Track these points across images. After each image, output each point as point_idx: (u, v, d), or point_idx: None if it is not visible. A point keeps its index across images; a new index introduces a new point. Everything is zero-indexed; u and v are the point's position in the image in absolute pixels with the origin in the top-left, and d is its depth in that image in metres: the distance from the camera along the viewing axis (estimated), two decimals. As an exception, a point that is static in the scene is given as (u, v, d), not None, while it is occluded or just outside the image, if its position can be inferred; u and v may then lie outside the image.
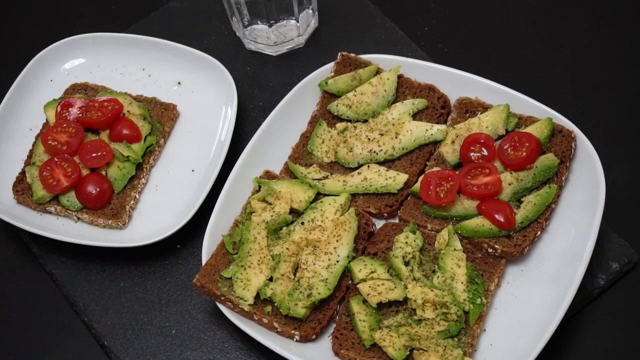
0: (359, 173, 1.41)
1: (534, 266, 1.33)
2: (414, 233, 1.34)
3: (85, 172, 1.44)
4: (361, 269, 1.30)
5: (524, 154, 1.34)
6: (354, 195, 1.40)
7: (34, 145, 1.49)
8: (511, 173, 1.35)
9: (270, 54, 1.63)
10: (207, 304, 1.39)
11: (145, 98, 1.54)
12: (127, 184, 1.45)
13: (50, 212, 1.45)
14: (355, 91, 1.47)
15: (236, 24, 1.62)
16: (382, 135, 1.43)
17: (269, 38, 1.60)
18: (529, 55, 1.63)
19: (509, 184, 1.34)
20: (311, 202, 1.37)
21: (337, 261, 1.31)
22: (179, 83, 1.58)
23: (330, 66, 1.51)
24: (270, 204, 1.38)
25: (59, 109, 1.49)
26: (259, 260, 1.32)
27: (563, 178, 1.36)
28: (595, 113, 1.55)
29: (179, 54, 1.57)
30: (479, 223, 1.32)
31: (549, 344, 1.24)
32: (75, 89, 1.56)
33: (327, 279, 1.30)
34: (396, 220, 1.40)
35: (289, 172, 1.44)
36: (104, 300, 1.40)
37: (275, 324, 1.28)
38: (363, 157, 1.43)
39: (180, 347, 1.36)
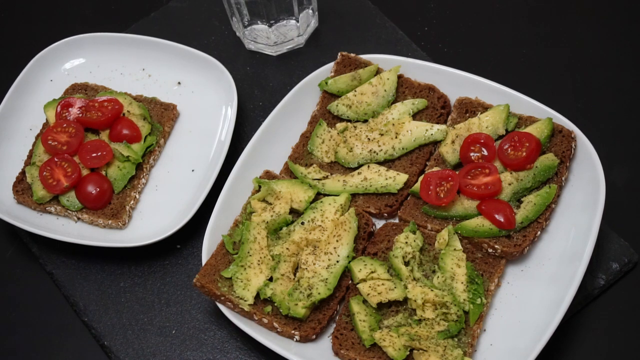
0: (359, 173, 1.41)
1: (534, 266, 1.33)
2: (414, 233, 1.34)
3: (85, 172, 1.44)
4: (361, 269, 1.30)
5: (524, 154, 1.34)
6: (354, 195, 1.40)
7: (34, 145, 1.49)
8: (511, 173, 1.35)
9: (270, 54, 1.63)
10: (207, 304, 1.39)
11: (145, 98, 1.54)
12: (127, 184, 1.45)
13: (50, 212, 1.45)
14: (355, 91, 1.47)
15: (236, 24, 1.61)
16: (382, 135, 1.43)
17: (269, 38, 1.60)
18: (529, 55, 1.62)
19: (509, 184, 1.34)
20: (311, 202, 1.37)
21: (337, 261, 1.31)
22: (179, 83, 1.58)
23: (330, 66, 1.51)
24: (270, 204, 1.38)
25: (59, 109, 1.49)
26: (259, 260, 1.32)
27: (563, 178, 1.36)
28: (595, 113, 1.55)
29: (179, 54, 1.57)
30: (479, 223, 1.32)
31: (549, 344, 1.24)
32: (75, 89, 1.56)
33: (327, 279, 1.30)
34: (396, 220, 1.40)
35: (289, 172, 1.44)
36: (104, 300, 1.40)
37: (275, 324, 1.28)
38: (363, 157, 1.43)
39: (180, 347, 1.36)
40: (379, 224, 1.40)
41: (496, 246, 1.30)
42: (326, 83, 1.48)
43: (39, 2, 1.80)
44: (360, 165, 1.43)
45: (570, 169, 1.38)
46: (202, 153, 1.50)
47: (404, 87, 1.48)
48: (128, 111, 1.50)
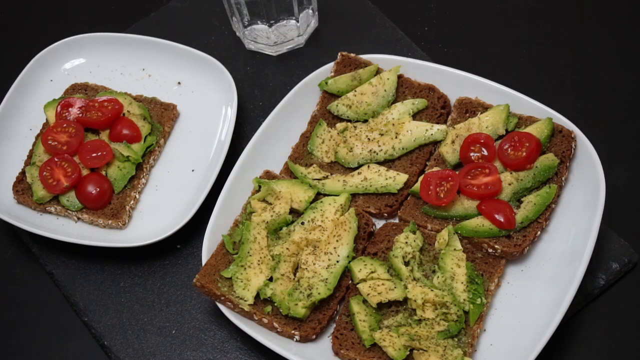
0: (359, 173, 1.41)
1: (534, 266, 1.33)
2: (414, 233, 1.34)
3: (85, 172, 1.44)
4: (361, 269, 1.30)
5: (524, 154, 1.34)
6: (354, 195, 1.40)
7: (34, 145, 1.49)
8: (511, 173, 1.35)
9: (270, 54, 1.63)
10: (207, 304, 1.39)
11: (145, 98, 1.54)
12: (127, 184, 1.45)
13: (50, 212, 1.45)
14: (355, 91, 1.47)
15: (236, 24, 1.61)
16: (382, 135, 1.43)
17: (269, 38, 1.60)
18: (529, 55, 1.62)
19: (509, 184, 1.34)
20: (311, 202, 1.37)
21: (337, 261, 1.31)
22: (179, 83, 1.58)
23: (330, 66, 1.51)
24: (270, 204, 1.38)
25: (59, 109, 1.49)
26: (259, 260, 1.32)
27: (563, 178, 1.36)
28: (595, 113, 1.55)
29: (179, 54, 1.57)
30: (479, 223, 1.32)
31: (549, 344, 1.24)
32: (75, 89, 1.56)
33: (327, 279, 1.30)
34: (396, 220, 1.40)
35: (289, 172, 1.44)
36: (104, 300, 1.40)
37: (275, 324, 1.28)
38: (363, 157, 1.43)
39: (180, 347, 1.36)
40: (379, 224, 1.40)
41: (496, 246, 1.30)
42: (326, 83, 1.48)
43: (39, 2, 1.80)
44: (360, 165, 1.43)
45: (570, 169, 1.38)
46: (202, 153, 1.50)
47: (404, 87, 1.48)
48: (128, 111, 1.50)
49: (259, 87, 1.60)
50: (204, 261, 1.33)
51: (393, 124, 1.43)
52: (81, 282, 1.42)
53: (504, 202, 1.32)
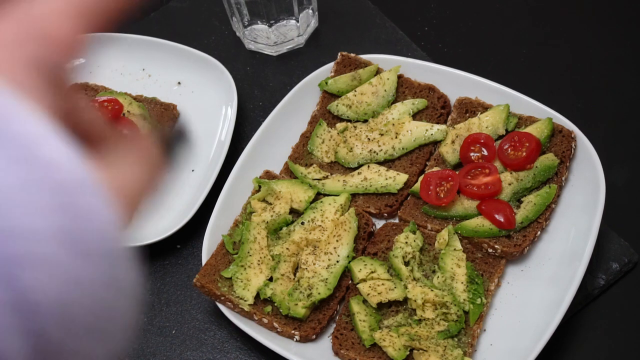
0: (359, 173, 1.41)
1: (534, 266, 1.33)
2: (414, 233, 1.34)
3: (85, 172, 1.44)
4: (361, 269, 1.30)
5: (524, 154, 1.34)
6: (354, 195, 1.40)
7: (34, 145, 1.49)
8: (511, 173, 1.35)
9: (270, 54, 1.63)
10: (207, 304, 1.39)
11: (145, 98, 1.54)
12: (127, 184, 1.45)
13: (50, 212, 1.45)
14: (355, 91, 1.47)
15: (236, 24, 1.61)
16: (382, 135, 1.43)
17: (269, 38, 1.60)
18: (529, 55, 1.62)
19: (509, 184, 1.34)
20: (311, 202, 1.37)
21: (337, 261, 1.31)
22: (179, 83, 1.58)
23: (330, 66, 1.51)
24: (270, 204, 1.38)
25: (59, 109, 1.49)
26: (259, 260, 1.32)
27: (563, 178, 1.36)
28: (595, 113, 1.55)
29: (179, 54, 1.57)
30: (479, 223, 1.31)
31: (549, 344, 1.24)
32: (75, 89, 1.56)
33: (327, 279, 1.30)
34: (396, 220, 1.40)
35: (289, 172, 1.44)
36: (104, 300, 1.40)
37: (275, 324, 1.28)
38: (363, 157, 1.43)
39: (180, 347, 1.36)
40: (379, 224, 1.40)
41: (496, 246, 1.30)
42: (326, 83, 1.48)
43: (39, 2, 1.80)
44: (360, 165, 1.43)
45: (570, 169, 1.38)
46: (202, 153, 1.50)
47: (404, 87, 1.48)
48: (128, 111, 1.50)
49: (259, 87, 1.60)
50: (204, 261, 1.33)
51: (393, 124, 1.43)
52: (81, 282, 1.42)
53: (504, 202, 1.32)
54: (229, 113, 1.51)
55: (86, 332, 0.44)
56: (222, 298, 1.30)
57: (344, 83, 1.48)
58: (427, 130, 1.42)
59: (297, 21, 1.58)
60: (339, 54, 1.51)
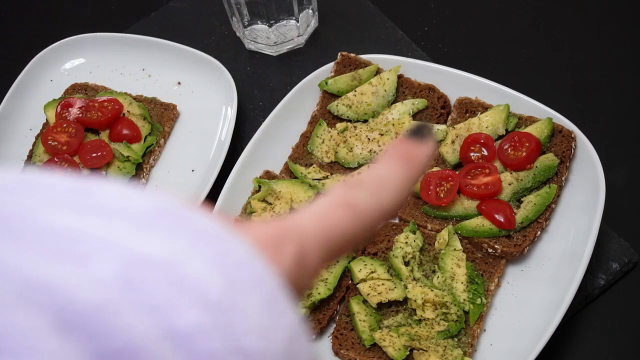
0: (359, 173, 1.41)
1: (534, 266, 1.33)
2: (414, 233, 1.34)
3: (85, 172, 1.44)
4: (361, 269, 1.30)
5: (524, 154, 1.34)
6: (354, 195, 1.40)
7: (34, 145, 1.49)
8: (511, 173, 1.35)
9: (270, 54, 1.63)
10: (207, 304, 1.38)
11: (145, 98, 1.54)
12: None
13: (50, 212, 1.44)
14: (355, 91, 1.47)
15: (236, 24, 1.61)
16: (382, 135, 1.43)
17: (269, 38, 1.59)
18: (529, 55, 1.62)
19: (509, 184, 1.34)
20: (311, 202, 1.37)
21: (337, 261, 1.31)
22: (179, 83, 1.58)
23: (330, 66, 1.51)
24: (270, 204, 1.38)
25: (59, 109, 1.49)
26: (259, 260, 1.32)
27: (563, 178, 1.36)
28: (595, 113, 1.55)
29: (179, 54, 1.57)
30: (479, 223, 1.31)
31: (549, 344, 1.24)
32: (75, 89, 1.56)
33: (327, 279, 1.30)
34: (396, 220, 1.40)
35: (289, 172, 1.44)
36: (104, 300, 1.39)
37: (275, 324, 1.28)
38: (363, 157, 1.43)
39: (180, 347, 1.35)
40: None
41: (496, 246, 1.30)
42: (326, 83, 1.48)
43: (39, 2, 1.80)
44: (360, 165, 1.43)
45: (570, 169, 1.38)
46: (202, 153, 1.50)
47: (404, 87, 1.48)
48: (128, 111, 1.50)
49: (259, 87, 1.60)
50: (204, 261, 1.33)
51: (393, 124, 1.43)
52: (81, 282, 1.42)
53: (504, 202, 1.32)
54: (229, 113, 1.51)
55: None
56: (222, 298, 1.30)
57: (344, 83, 1.48)
58: (427, 130, 1.42)
59: (297, 21, 1.58)
60: (339, 54, 1.51)
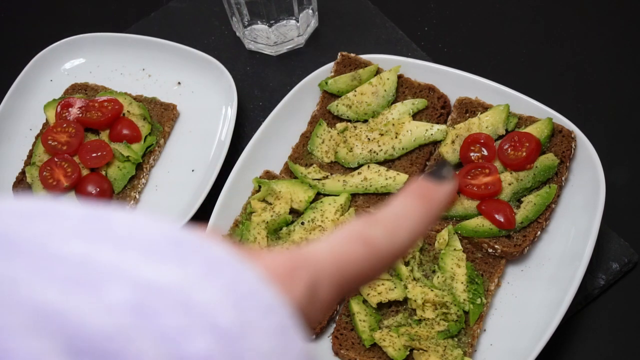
0: (359, 173, 1.41)
1: (534, 266, 1.33)
2: (414, 233, 1.33)
3: (85, 172, 1.44)
4: (361, 269, 1.30)
5: (524, 154, 1.34)
6: (354, 195, 1.40)
7: (34, 145, 1.49)
8: (511, 173, 1.35)
9: (270, 54, 1.63)
10: (207, 304, 1.39)
11: (145, 98, 1.54)
12: (127, 184, 1.45)
13: (50, 212, 1.44)
14: (355, 91, 1.47)
15: (236, 24, 1.61)
16: (382, 135, 1.43)
17: (269, 38, 1.59)
18: (529, 55, 1.62)
19: (509, 184, 1.34)
20: (311, 202, 1.37)
21: (337, 261, 1.31)
22: (179, 83, 1.58)
23: (330, 66, 1.51)
24: (270, 204, 1.38)
25: (59, 109, 1.49)
26: (259, 260, 1.32)
27: (563, 178, 1.36)
28: (595, 113, 1.55)
29: (179, 54, 1.57)
30: (479, 223, 1.31)
31: (549, 344, 1.24)
32: (75, 89, 1.56)
33: (327, 279, 1.29)
34: (396, 220, 1.40)
35: (289, 172, 1.44)
36: (104, 300, 1.39)
37: (275, 324, 1.28)
38: (363, 157, 1.43)
39: (180, 347, 1.35)
40: (379, 224, 1.40)
41: (496, 246, 1.30)
42: (326, 83, 1.48)
43: (39, 2, 1.80)
44: (360, 165, 1.43)
45: (570, 169, 1.38)
46: (202, 153, 1.50)
47: (404, 87, 1.48)
48: (128, 111, 1.50)
49: (259, 87, 1.60)
50: (204, 261, 1.33)
51: (393, 124, 1.43)
52: (81, 282, 1.42)
53: (504, 202, 1.32)
54: (229, 113, 1.51)
55: None
56: (222, 298, 1.30)
57: (344, 83, 1.48)
58: (427, 130, 1.42)
59: (297, 21, 1.58)
60: (339, 54, 1.51)
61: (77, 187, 1.42)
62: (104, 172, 1.45)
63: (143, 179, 1.47)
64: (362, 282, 0.56)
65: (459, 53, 1.64)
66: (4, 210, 0.44)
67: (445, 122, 1.46)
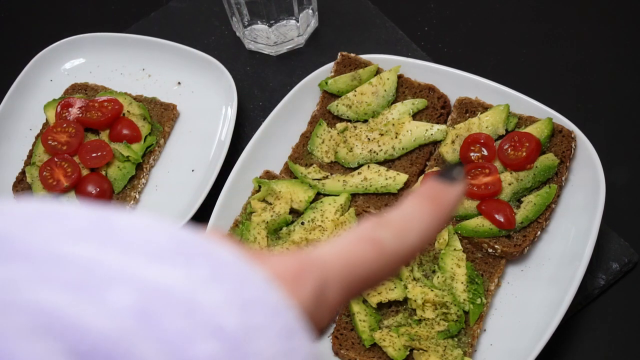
0: (359, 173, 1.41)
1: (534, 266, 1.33)
2: (414, 233, 1.33)
3: (85, 172, 1.44)
4: (361, 269, 1.30)
5: (524, 154, 1.34)
6: (354, 195, 1.40)
7: (34, 145, 1.49)
8: (511, 173, 1.35)
9: (270, 54, 1.63)
10: (207, 304, 1.39)
11: (145, 98, 1.54)
12: (127, 184, 1.45)
13: (50, 212, 1.44)
14: (355, 91, 1.47)
15: (236, 24, 1.61)
16: (382, 135, 1.43)
17: (269, 38, 1.59)
18: (529, 55, 1.62)
19: (509, 184, 1.34)
20: (311, 202, 1.37)
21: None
22: (179, 83, 1.58)
23: (330, 66, 1.51)
24: (270, 204, 1.38)
25: (59, 109, 1.49)
26: (259, 260, 1.32)
27: (563, 178, 1.36)
28: (595, 113, 1.55)
29: (179, 54, 1.57)
30: (479, 223, 1.31)
31: (549, 344, 1.24)
32: (75, 89, 1.56)
33: (327, 279, 1.29)
34: (396, 220, 1.40)
35: (289, 172, 1.44)
36: (104, 300, 1.39)
37: (275, 324, 1.28)
38: (363, 157, 1.43)
39: (180, 347, 1.35)
40: (379, 224, 1.40)
41: (496, 246, 1.30)
42: (326, 83, 1.48)
43: (39, 2, 1.80)
44: (360, 165, 1.43)
45: (570, 169, 1.38)
46: (202, 153, 1.50)
47: (404, 87, 1.48)
48: (128, 111, 1.50)
49: (259, 87, 1.60)
50: (204, 261, 1.33)
51: (393, 124, 1.43)
52: (81, 282, 1.42)
53: (504, 202, 1.32)
54: (229, 113, 1.51)
55: None
56: (222, 298, 1.30)
57: (344, 83, 1.48)
58: (427, 130, 1.42)
59: (297, 21, 1.58)
60: (339, 54, 1.51)
61: (77, 187, 1.42)
62: (104, 172, 1.45)
63: (143, 179, 1.47)
64: (371, 284, 0.56)
65: (459, 53, 1.64)
66: (7, 213, 0.44)
67: (445, 122, 1.46)
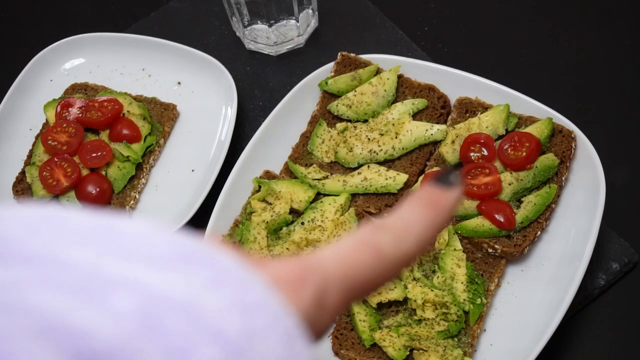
0: (359, 173, 1.41)
1: (534, 266, 1.33)
2: (414, 233, 1.33)
3: (85, 172, 1.44)
4: (361, 269, 1.30)
5: (524, 154, 1.34)
6: (354, 195, 1.40)
7: (33, 145, 1.49)
8: (511, 173, 1.35)
9: (270, 54, 1.63)
10: (207, 304, 1.38)
11: (145, 98, 1.54)
12: (127, 184, 1.45)
13: (50, 212, 1.44)
14: (355, 91, 1.47)
15: (236, 24, 1.61)
16: (382, 135, 1.43)
17: (269, 38, 1.59)
18: (529, 55, 1.62)
19: (509, 184, 1.34)
20: (311, 202, 1.37)
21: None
22: (179, 83, 1.58)
23: (330, 66, 1.51)
24: (270, 204, 1.38)
25: (58, 109, 1.49)
26: (259, 260, 1.32)
27: (563, 178, 1.36)
28: (595, 113, 1.55)
29: (179, 54, 1.57)
30: (479, 223, 1.31)
31: (549, 344, 1.24)
32: (75, 89, 1.56)
33: (327, 279, 1.29)
34: (396, 220, 1.40)
35: (289, 172, 1.44)
36: (104, 300, 1.39)
37: (275, 324, 1.28)
38: (363, 157, 1.43)
39: (180, 347, 1.35)
40: (379, 224, 1.39)
41: (496, 246, 1.30)
42: (326, 83, 1.48)
43: (39, 2, 1.80)
44: (360, 165, 1.43)
45: (570, 169, 1.38)
46: (202, 153, 1.50)
47: (404, 87, 1.48)
48: (128, 111, 1.50)
49: (259, 87, 1.60)
50: (204, 261, 1.33)
51: (393, 124, 1.43)
52: (81, 282, 1.42)
53: (504, 202, 1.32)
54: (229, 113, 1.51)
55: None
56: (222, 298, 1.30)
57: (344, 83, 1.48)
58: (427, 130, 1.42)
59: (297, 21, 1.58)
60: (339, 54, 1.51)
61: (77, 187, 1.42)
62: (104, 172, 1.45)
63: (143, 179, 1.47)
64: (371, 288, 0.56)
65: (459, 53, 1.64)
66: (10, 217, 0.44)
67: (445, 122, 1.46)
